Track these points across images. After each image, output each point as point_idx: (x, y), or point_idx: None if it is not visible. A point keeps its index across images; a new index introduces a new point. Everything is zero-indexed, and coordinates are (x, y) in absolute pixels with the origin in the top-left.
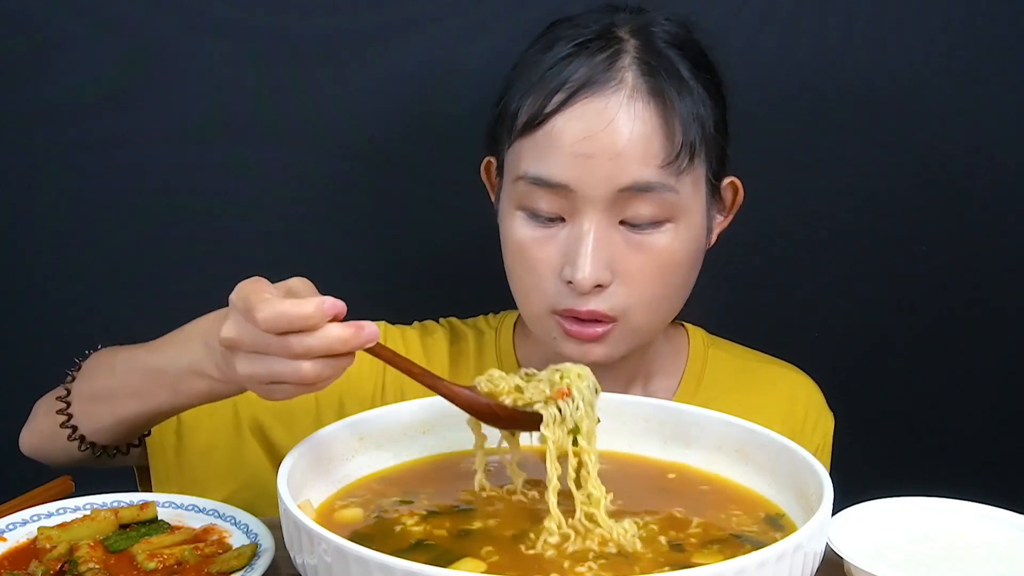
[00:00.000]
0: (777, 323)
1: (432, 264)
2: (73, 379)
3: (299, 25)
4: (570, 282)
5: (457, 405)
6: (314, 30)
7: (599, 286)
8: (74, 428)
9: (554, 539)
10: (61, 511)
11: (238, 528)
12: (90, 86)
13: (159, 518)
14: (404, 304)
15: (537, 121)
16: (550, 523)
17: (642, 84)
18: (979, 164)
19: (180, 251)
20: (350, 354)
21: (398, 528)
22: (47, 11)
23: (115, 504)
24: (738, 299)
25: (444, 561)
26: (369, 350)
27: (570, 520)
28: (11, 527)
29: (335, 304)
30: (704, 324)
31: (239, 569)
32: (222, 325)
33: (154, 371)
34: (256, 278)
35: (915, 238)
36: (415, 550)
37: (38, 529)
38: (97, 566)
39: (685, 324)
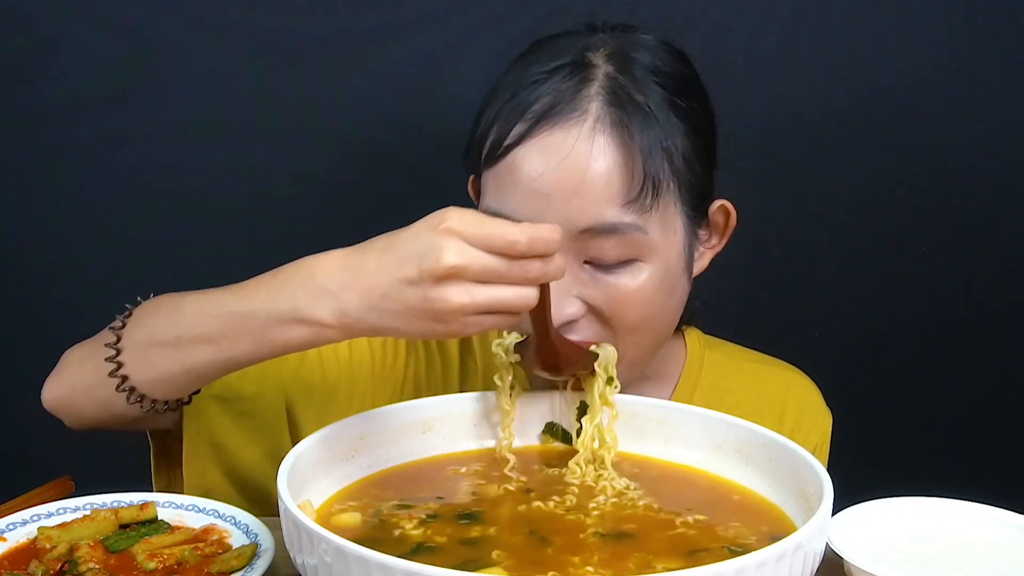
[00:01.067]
0: (777, 323)
1: None
2: (124, 325)
3: (299, 25)
4: None
5: (544, 351)
6: (314, 30)
7: (571, 321)
8: (124, 378)
9: (575, 465)
10: (61, 511)
11: (238, 528)
12: (90, 86)
13: (159, 518)
14: None
15: (498, 153)
16: (580, 445)
17: (607, 115)
18: (978, 164)
19: (180, 250)
20: None
21: (397, 532)
22: (47, 11)
23: (115, 504)
24: (738, 299)
25: (469, 569)
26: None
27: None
28: (11, 527)
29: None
30: (704, 324)
31: (239, 569)
32: (337, 267)
33: (240, 316)
34: (458, 208)
35: (915, 238)
36: (417, 554)
37: (38, 529)
38: (97, 566)
39: (682, 328)
